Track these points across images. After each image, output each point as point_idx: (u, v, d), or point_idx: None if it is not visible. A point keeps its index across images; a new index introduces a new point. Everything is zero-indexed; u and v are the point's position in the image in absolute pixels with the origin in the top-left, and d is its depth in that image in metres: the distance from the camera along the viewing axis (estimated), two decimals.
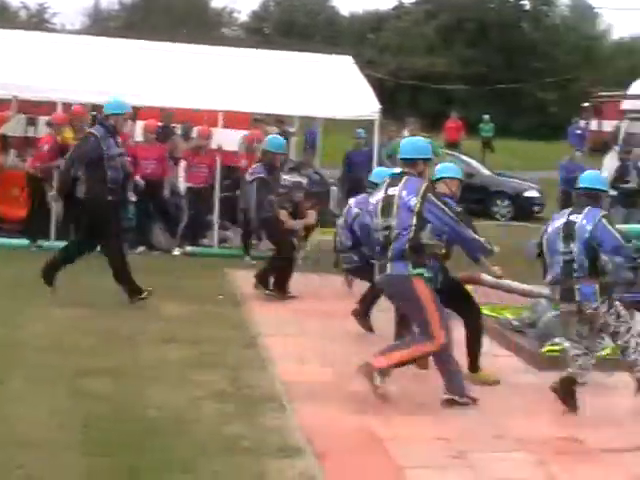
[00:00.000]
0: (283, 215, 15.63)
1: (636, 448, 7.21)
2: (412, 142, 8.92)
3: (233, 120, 16.73)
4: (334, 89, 16.58)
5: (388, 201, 7.98)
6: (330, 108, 16.60)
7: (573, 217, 8.09)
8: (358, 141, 19.74)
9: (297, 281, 12.57)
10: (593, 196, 8.32)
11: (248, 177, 13.19)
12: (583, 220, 7.99)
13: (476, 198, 24.87)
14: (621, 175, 19.43)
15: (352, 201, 11.09)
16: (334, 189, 19.60)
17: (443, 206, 7.94)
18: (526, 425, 7.66)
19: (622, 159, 21.52)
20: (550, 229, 8.26)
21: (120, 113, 11.37)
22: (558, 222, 8.21)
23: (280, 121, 21.70)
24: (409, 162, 8.19)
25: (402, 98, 49.78)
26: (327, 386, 8.40)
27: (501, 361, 9.88)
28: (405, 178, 8.05)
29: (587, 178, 8.57)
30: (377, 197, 8.21)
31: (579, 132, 36.19)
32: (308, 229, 15.59)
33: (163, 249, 15.63)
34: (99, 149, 10.98)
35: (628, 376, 8.46)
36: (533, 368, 9.62)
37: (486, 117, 38.04)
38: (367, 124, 18.34)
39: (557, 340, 9.73)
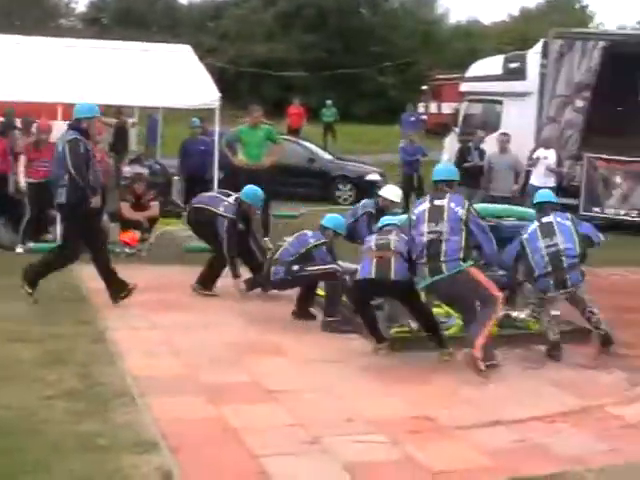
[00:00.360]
0: (125, 208, 15.51)
1: (487, 424, 7.40)
2: (448, 168, 10.71)
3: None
4: (173, 78, 16.42)
5: (436, 211, 9.09)
6: (169, 98, 16.44)
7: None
8: (193, 130, 19.59)
9: (142, 273, 12.39)
10: (450, 185, 9.54)
11: None
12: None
13: (318, 183, 25.10)
14: (462, 156, 19.80)
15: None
16: (176, 179, 19.43)
17: (480, 219, 9.37)
18: (378, 406, 7.77)
19: (462, 141, 22.00)
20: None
21: (92, 116, 11.28)
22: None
23: (119, 112, 21.46)
24: (447, 183, 9.50)
25: (243, 86, 49.72)
26: (178, 378, 8.33)
27: (349, 343, 9.98)
28: (448, 194, 9.25)
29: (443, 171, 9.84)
30: (422, 207, 9.27)
31: (413, 119, 36.57)
32: (151, 221, 15.50)
33: (6, 247, 15.21)
34: (87, 152, 10.94)
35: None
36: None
37: (329, 102, 38.21)
38: (208, 113, 18.22)
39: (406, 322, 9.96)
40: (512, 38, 52.34)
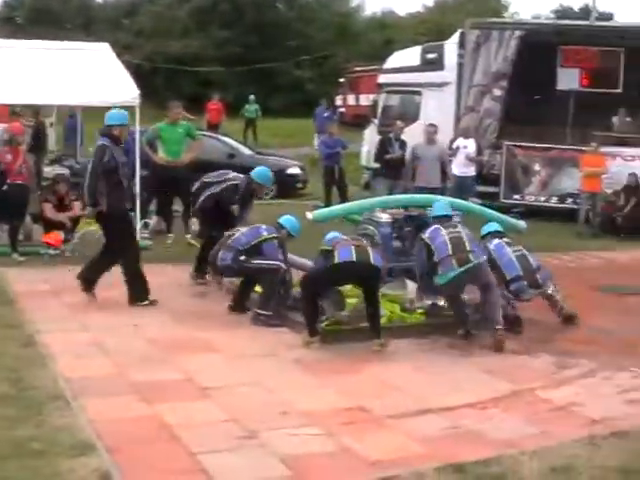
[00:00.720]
0: (48, 208, 15.33)
1: (420, 412, 7.51)
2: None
3: None
4: (92, 76, 16.19)
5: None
6: (88, 96, 16.23)
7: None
8: None
9: (67, 274, 12.20)
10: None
11: None
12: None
13: None
14: (383, 148, 19.91)
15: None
16: None
17: None
18: (312, 399, 7.83)
19: (382, 132, 22.12)
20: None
21: (123, 124, 11.46)
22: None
23: (37, 113, 21.20)
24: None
25: (159, 82, 49.46)
26: (111, 378, 8.28)
27: (280, 337, 10.02)
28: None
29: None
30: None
31: (327, 115, 36.59)
32: (74, 221, 15.34)
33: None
34: (113, 159, 11.05)
35: (408, 343, 8.93)
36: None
37: (252, 97, 38.10)
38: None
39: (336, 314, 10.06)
40: (428, 29, 52.83)
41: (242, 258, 10.86)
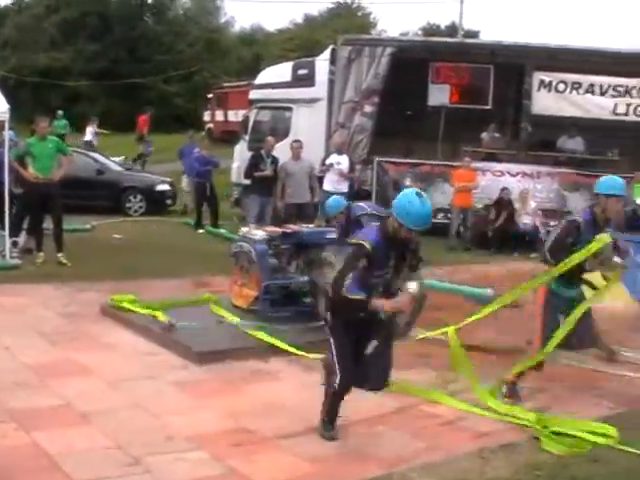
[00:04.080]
0: None
1: (307, 431, 7.38)
2: None
3: None
4: None
5: None
6: None
7: None
8: None
9: None
10: None
11: None
12: None
13: (108, 195, 24.68)
14: (255, 164, 19.75)
15: None
16: None
17: None
18: (197, 422, 7.62)
19: (253, 148, 21.96)
20: None
21: None
22: None
23: None
24: None
25: (26, 96, 48.48)
26: None
27: (156, 358, 9.77)
28: None
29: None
30: None
31: (196, 153, 31.40)
32: None
33: None
34: None
35: (289, 361, 8.81)
36: (190, 363, 9.52)
37: (59, 112, 36.81)
38: None
39: None
40: (297, 45, 53.10)
41: None
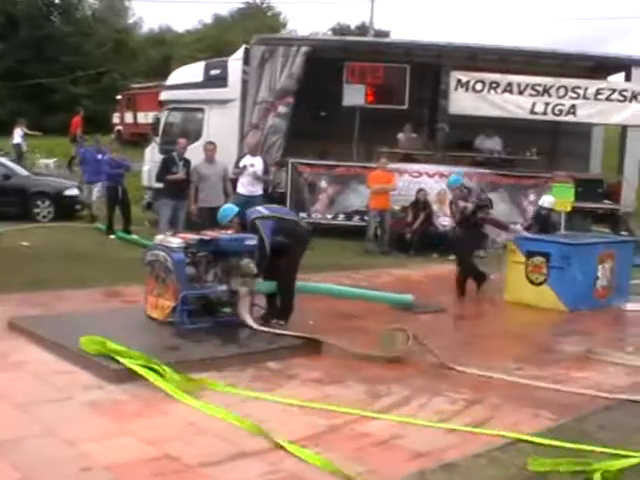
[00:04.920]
0: None
1: (234, 456, 6.82)
2: None
3: None
4: None
5: None
6: None
7: None
8: None
9: None
10: None
11: None
12: None
13: (15, 200, 23.99)
14: (166, 167, 19.23)
15: None
16: None
17: None
18: (114, 449, 6.94)
19: (164, 151, 21.42)
20: None
21: None
22: None
23: None
24: None
25: None
26: None
27: (70, 377, 8.99)
28: None
29: None
30: None
31: (101, 157, 24.61)
32: None
33: None
34: None
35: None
36: (106, 383, 8.75)
37: None
38: None
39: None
40: (206, 45, 52.65)
41: None
